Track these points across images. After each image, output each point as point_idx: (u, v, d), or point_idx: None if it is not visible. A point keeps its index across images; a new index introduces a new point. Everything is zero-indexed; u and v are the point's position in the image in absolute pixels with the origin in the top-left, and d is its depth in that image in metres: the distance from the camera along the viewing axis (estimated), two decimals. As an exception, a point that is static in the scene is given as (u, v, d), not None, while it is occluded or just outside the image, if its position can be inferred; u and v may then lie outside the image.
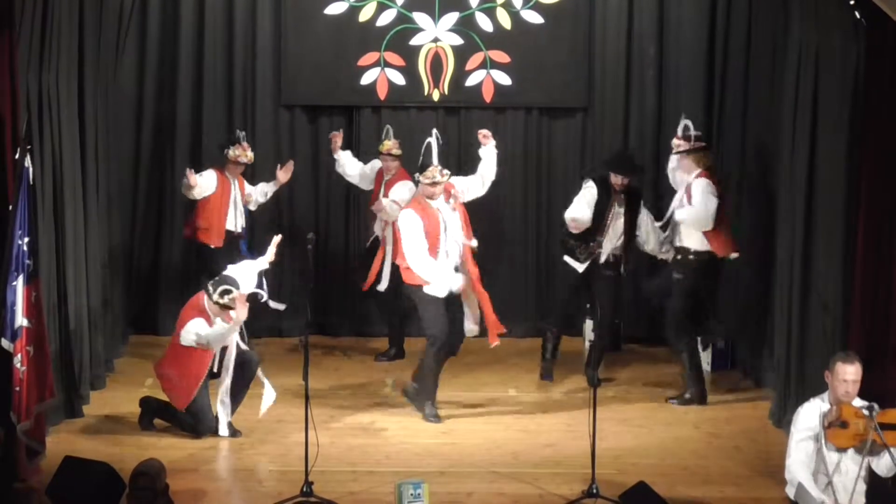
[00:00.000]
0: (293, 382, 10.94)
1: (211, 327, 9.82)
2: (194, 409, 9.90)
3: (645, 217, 11.14)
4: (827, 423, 7.83)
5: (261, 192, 11.97)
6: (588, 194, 11.01)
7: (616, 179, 11.00)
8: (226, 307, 9.83)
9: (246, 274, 10.29)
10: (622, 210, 10.99)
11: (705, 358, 11.52)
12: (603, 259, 11.04)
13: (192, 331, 9.85)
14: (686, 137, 10.89)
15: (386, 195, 11.62)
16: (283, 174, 11.96)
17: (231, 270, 10.24)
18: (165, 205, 12.69)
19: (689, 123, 10.96)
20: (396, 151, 11.79)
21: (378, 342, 12.46)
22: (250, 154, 11.73)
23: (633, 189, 11.12)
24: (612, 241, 11.01)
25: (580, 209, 10.93)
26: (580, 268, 11.02)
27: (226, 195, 11.67)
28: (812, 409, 7.95)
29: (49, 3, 9.74)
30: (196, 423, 9.92)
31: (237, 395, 10.09)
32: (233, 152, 11.63)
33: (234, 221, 11.75)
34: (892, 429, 7.73)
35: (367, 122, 12.79)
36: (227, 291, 9.86)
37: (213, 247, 11.70)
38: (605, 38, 12.75)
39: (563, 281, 11.51)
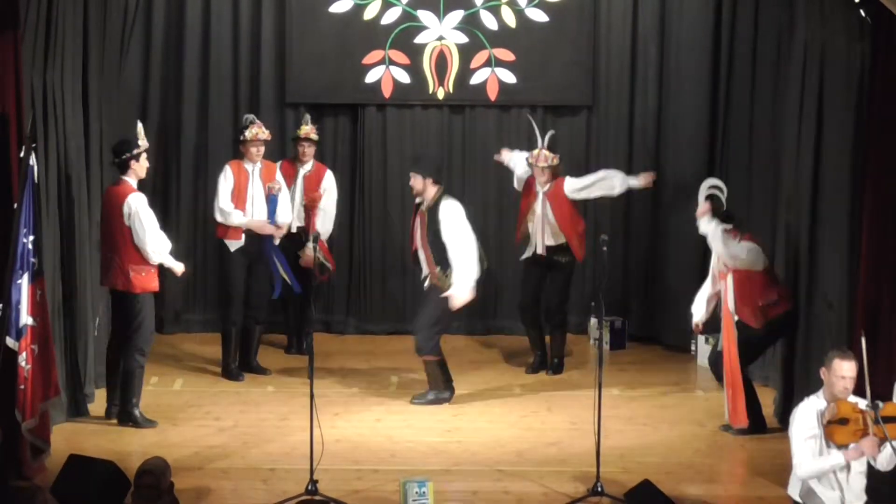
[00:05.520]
0: (298, 381, 10.96)
1: None
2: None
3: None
4: (826, 420, 7.79)
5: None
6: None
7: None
8: None
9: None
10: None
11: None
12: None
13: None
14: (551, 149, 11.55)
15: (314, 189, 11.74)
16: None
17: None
18: (170, 203, 12.68)
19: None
20: (314, 136, 11.87)
21: (380, 340, 12.47)
22: (267, 132, 11.35)
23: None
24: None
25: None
26: None
27: (242, 186, 11.18)
28: (809, 407, 7.86)
29: (54, 1, 9.75)
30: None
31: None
32: (250, 132, 11.19)
33: (253, 215, 11.17)
34: (892, 421, 7.71)
35: (371, 120, 12.78)
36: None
37: (232, 247, 11.19)
38: (610, 36, 12.74)
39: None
